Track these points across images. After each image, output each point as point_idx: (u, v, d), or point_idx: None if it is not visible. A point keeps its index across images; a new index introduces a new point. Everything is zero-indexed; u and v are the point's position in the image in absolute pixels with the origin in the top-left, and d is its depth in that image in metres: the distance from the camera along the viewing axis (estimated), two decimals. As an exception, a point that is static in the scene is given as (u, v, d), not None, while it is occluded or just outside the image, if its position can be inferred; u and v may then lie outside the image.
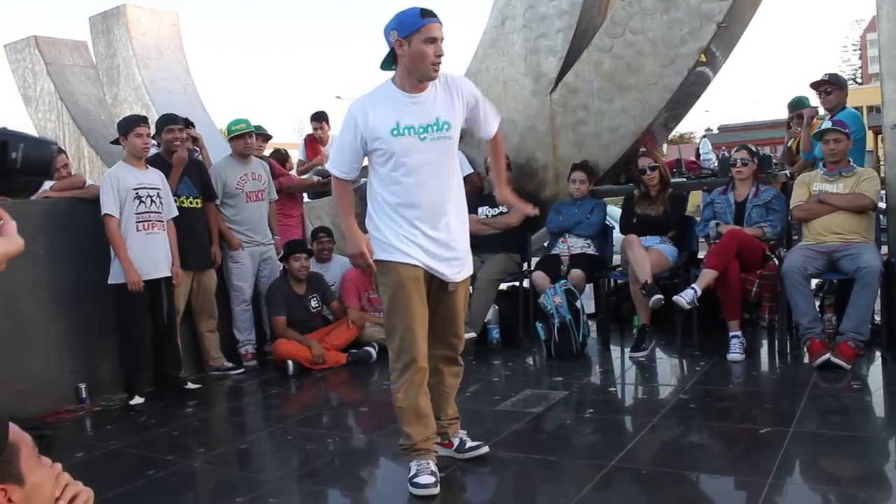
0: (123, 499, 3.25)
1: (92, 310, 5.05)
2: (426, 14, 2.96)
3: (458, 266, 3.25)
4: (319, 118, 8.00)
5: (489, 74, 6.71)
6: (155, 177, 5.12)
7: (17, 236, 1.14)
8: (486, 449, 3.47)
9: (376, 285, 3.35)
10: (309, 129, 8.41)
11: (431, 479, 3.08)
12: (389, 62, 3.09)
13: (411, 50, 2.96)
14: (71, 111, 10.58)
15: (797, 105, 6.43)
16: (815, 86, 5.67)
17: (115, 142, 5.26)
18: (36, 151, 1.08)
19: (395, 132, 3.04)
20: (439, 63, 3.00)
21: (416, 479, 3.09)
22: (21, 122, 11.13)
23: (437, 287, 3.23)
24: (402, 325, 3.13)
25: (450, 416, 3.47)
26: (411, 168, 3.06)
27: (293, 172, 7.64)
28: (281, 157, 7.55)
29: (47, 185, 5.27)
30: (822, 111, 5.94)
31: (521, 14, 6.53)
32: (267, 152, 7.50)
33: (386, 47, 3.07)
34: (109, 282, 4.93)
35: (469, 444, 3.47)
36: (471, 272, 3.40)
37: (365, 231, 3.27)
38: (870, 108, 18.75)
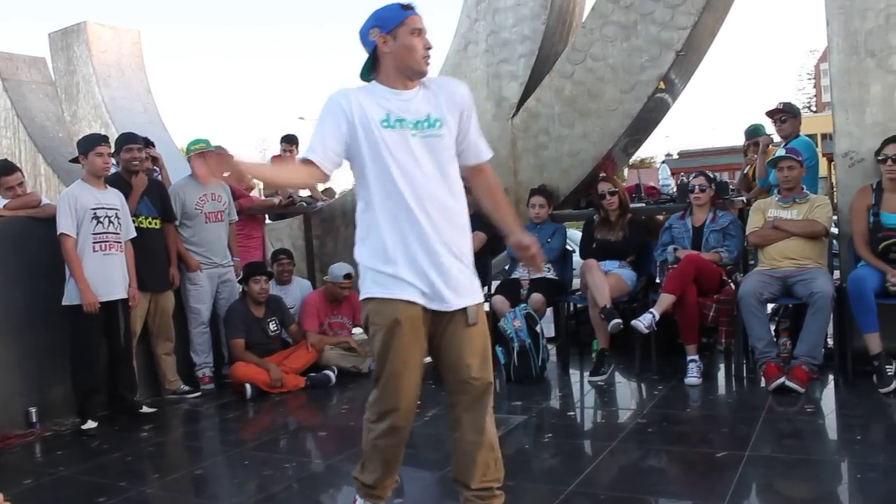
0: (73, 527, 3.17)
1: (44, 331, 4.94)
2: (407, 7, 2.69)
3: (456, 291, 2.69)
4: (290, 140, 7.93)
5: (451, 98, 6.73)
6: (114, 197, 5.05)
7: None
8: None
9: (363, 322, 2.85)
10: (273, 151, 8.37)
11: None
12: (369, 70, 2.74)
13: (398, 44, 2.65)
14: (27, 128, 10.41)
15: (753, 133, 6.56)
16: (771, 114, 5.81)
17: (75, 160, 5.18)
18: None
19: (386, 124, 2.63)
20: (429, 55, 2.71)
21: None
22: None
23: (446, 322, 2.71)
24: (389, 371, 2.68)
25: (477, 488, 2.74)
26: (405, 169, 2.62)
27: (255, 193, 7.59)
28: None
29: (1, 203, 5.18)
30: (777, 139, 6.07)
31: (484, 39, 6.60)
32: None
33: (364, 54, 2.74)
34: (64, 302, 4.84)
35: None
36: (479, 297, 2.80)
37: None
38: (824, 136, 19.15)
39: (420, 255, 2.62)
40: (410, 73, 2.69)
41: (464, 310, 2.69)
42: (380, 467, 2.83)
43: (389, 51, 2.65)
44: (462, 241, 2.74)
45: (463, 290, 2.70)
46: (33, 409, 4.84)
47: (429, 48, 2.69)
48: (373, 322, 2.69)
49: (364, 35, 2.70)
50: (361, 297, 2.73)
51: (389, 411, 2.71)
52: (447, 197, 2.72)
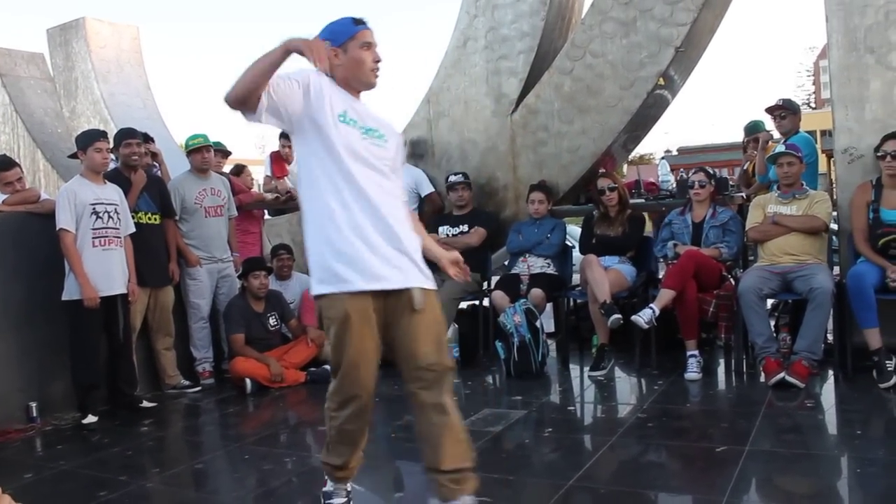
0: (74, 521, 3.18)
1: (44, 326, 4.94)
2: (358, 21, 2.80)
3: (406, 274, 2.75)
4: (288, 136, 7.92)
5: (451, 94, 6.74)
6: (113, 192, 5.05)
7: None
8: None
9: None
10: (271, 147, 8.35)
11: (342, 501, 3.03)
12: None
13: (348, 57, 2.76)
14: (26, 123, 10.40)
15: (753, 129, 6.56)
16: (770, 110, 5.81)
17: (74, 156, 5.18)
18: None
19: (342, 119, 2.72)
20: (378, 69, 2.81)
21: (329, 501, 3.04)
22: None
23: (397, 311, 2.76)
24: (347, 362, 2.75)
25: (449, 469, 2.75)
26: (354, 167, 2.70)
27: (255, 189, 7.57)
28: (236, 170, 7.49)
29: (0, 198, 5.18)
30: (776, 135, 6.08)
31: (483, 35, 6.59)
32: (227, 169, 7.44)
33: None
34: (64, 298, 4.83)
35: None
36: (428, 282, 2.82)
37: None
38: (823, 133, 19.21)
39: (366, 244, 2.68)
40: (359, 85, 2.81)
41: (410, 296, 2.73)
42: (347, 449, 2.94)
43: (340, 63, 2.75)
44: (405, 234, 2.78)
45: (408, 272, 2.75)
46: (33, 404, 4.84)
47: (377, 61, 2.79)
48: (326, 317, 2.76)
49: None
50: (312, 293, 2.81)
51: (352, 398, 2.81)
52: (390, 195, 2.79)
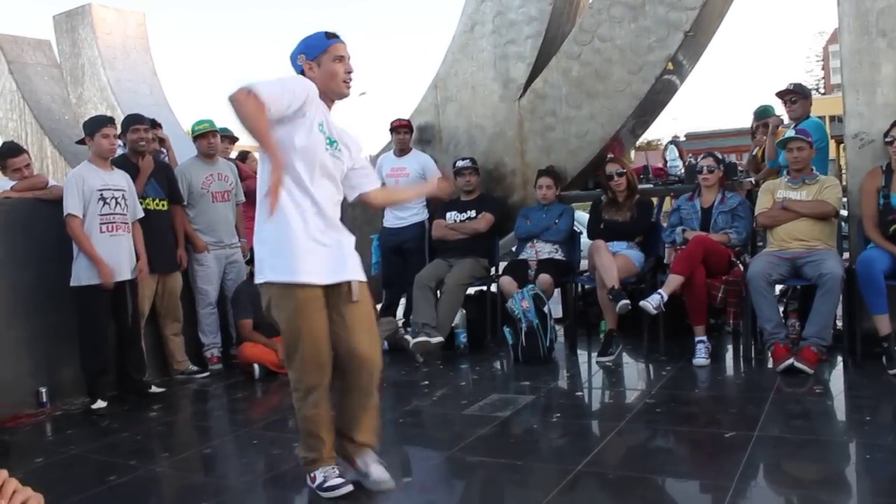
0: (84, 505, 3.19)
1: (53, 312, 4.96)
2: (331, 35, 3.04)
3: (347, 268, 3.05)
4: None
5: (458, 79, 6.72)
6: (120, 178, 5.05)
7: None
8: (389, 485, 3.13)
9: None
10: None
11: (341, 479, 3.08)
12: None
13: (322, 70, 3.01)
14: (33, 110, 10.42)
15: (763, 114, 6.52)
16: (781, 95, 5.77)
17: (81, 142, 5.18)
18: None
19: (320, 129, 2.99)
20: (350, 80, 3.07)
21: (327, 484, 3.07)
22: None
23: (332, 297, 3.03)
24: (305, 352, 2.97)
25: (361, 442, 3.15)
26: (323, 172, 3.00)
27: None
28: (241, 156, 7.48)
29: (8, 185, 5.19)
30: (787, 120, 6.03)
31: (491, 20, 6.55)
32: (234, 155, 7.43)
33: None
34: (72, 284, 4.85)
35: (373, 476, 3.12)
36: (362, 277, 3.13)
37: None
38: (832, 118, 19.07)
39: (316, 241, 2.96)
40: (333, 95, 3.06)
41: (349, 287, 3.03)
42: (322, 431, 3.08)
43: (315, 76, 3.00)
44: (342, 235, 3.09)
45: (348, 267, 3.06)
46: (43, 389, 4.86)
47: (349, 72, 3.04)
48: (276, 305, 2.98)
49: (293, 60, 3.06)
50: (260, 281, 3.03)
51: (317, 384, 3.01)
52: (334, 202, 3.09)
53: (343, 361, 3.06)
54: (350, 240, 3.12)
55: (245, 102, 2.72)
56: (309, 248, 2.94)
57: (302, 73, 3.03)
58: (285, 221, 2.92)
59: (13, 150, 5.34)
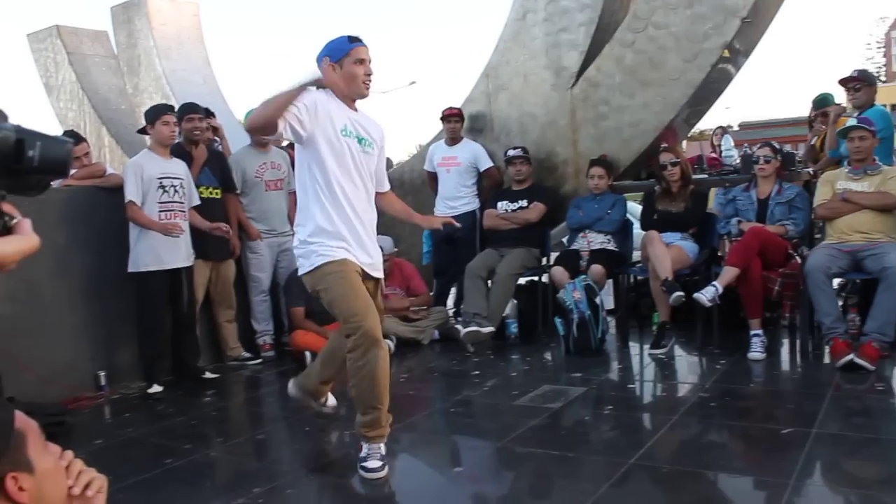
0: (142, 487, 3.26)
1: (112, 298, 5.07)
2: (353, 39, 3.28)
3: (377, 262, 3.43)
4: None
5: (510, 68, 6.67)
6: (178, 166, 5.13)
7: (32, 234, 1.13)
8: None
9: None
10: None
11: (379, 463, 3.24)
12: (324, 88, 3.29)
13: (343, 72, 3.25)
14: (92, 100, 10.62)
15: (822, 103, 6.36)
16: (844, 82, 5.60)
17: (142, 130, 5.28)
18: (52, 150, 1.07)
19: (344, 133, 3.25)
20: (370, 81, 3.30)
21: (365, 464, 3.24)
22: (43, 110, 11.22)
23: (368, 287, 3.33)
24: (360, 307, 3.19)
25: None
26: (349, 169, 3.27)
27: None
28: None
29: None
30: (849, 108, 5.86)
31: (543, 7, 6.48)
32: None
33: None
34: (129, 270, 4.95)
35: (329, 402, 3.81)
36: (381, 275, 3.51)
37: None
38: (894, 107, 18.55)
39: (356, 237, 3.28)
40: (354, 95, 3.32)
41: (378, 281, 3.45)
42: (379, 398, 3.23)
43: (337, 77, 3.26)
44: (373, 232, 3.41)
45: (379, 266, 3.44)
46: (102, 373, 4.98)
47: (369, 74, 3.29)
48: (329, 272, 3.20)
49: (318, 61, 3.30)
50: (307, 270, 3.27)
51: (375, 341, 3.16)
52: (369, 199, 3.40)
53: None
54: (376, 240, 3.44)
55: (256, 111, 3.08)
56: (350, 241, 3.26)
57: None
58: (324, 221, 3.24)
59: (73, 138, 5.46)
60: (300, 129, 3.11)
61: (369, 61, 3.30)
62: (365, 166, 3.34)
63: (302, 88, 3.05)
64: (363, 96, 3.35)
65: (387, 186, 3.63)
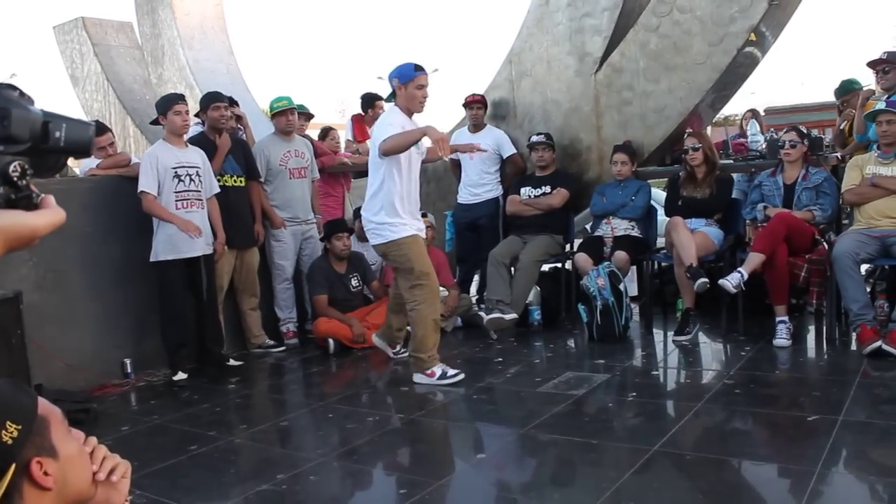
0: (167, 473, 3.29)
1: (138, 286, 5.12)
2: (418, 68, 4.44)
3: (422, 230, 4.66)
4: (370, 100, 7.90)
5: (533, 54, 6.63)
6: (195, 155, 5.15)
7: (58, 208, 1.16)
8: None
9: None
10: (352, 110, 8.32)
11: (456, 370, 4.54)
12: (391, 97, 4.53)
13: (407, 92, 4.43)
14: (117, 91, 10.69)
15: (845, 90, 6.27)
16: (873, 64, 5.50)
17: (155, 122, 5.31)
18: (77, 131, 1.13)
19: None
20: (425, 101, 4.49)
21: (449, 373, 4.48)
22: (69, 101, 11.31)
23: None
24: (428, 272, 4.49)
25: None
26: (414, 169, 4.54)
27: (342, 150, 7.56)
28: (323, 132, 7.50)
29: (94, 163, 5.36)
30: (878, 91, 5.76)
31: (567, -8, 6.42)
32: (310, 132, 7.48)
33: (389, 88, 4.55)
34: (151, 259, 4.99)
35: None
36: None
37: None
38: (924, 90, 18.20)
39: (412, 215, 4.55)
40: (413, 110, 4.49)
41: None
42: (435, 335, 4.56)
43: (402, 95, 4.45)
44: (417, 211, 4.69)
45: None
46: (128, 361, 5.04)
47: (425, 97, 4.48)
48: (403, 243, 4.46)
49: (390, 79, 4.50)
50: (385, 241, 4.49)
51: (437, 292, 4.59)
52: (416, 183, 4.62)
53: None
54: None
55: (390, 144, 4.32)
56: (407, 218, 4.51)
57: (394, 91, 4.46)
58: (392, 204, 4.44)
59: (98, 128, 5.50)
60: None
61: (427, 86, 4.47)
62: (417, 160, 4.55)
63: (423, 133, 4.35)
64: (419, 112, 4.52)
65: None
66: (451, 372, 4.47)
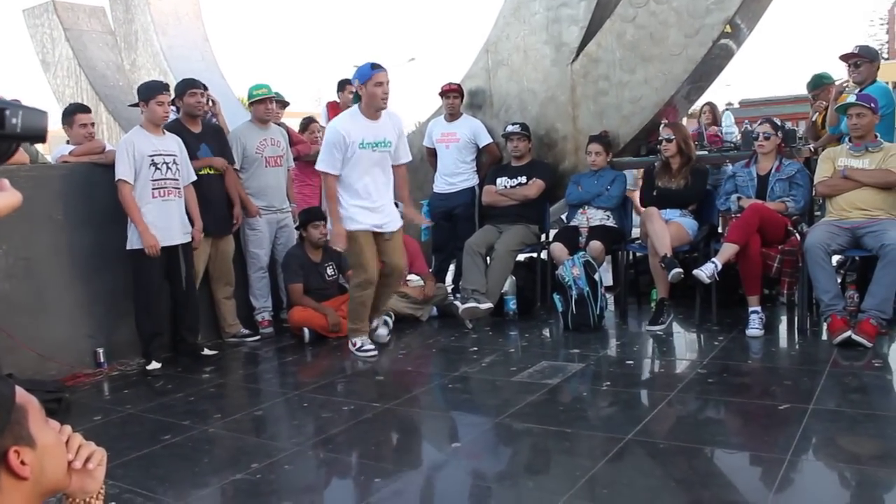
0: (140, 463, 3.28)
1: (110, 274, 5.07)
2: (375, 66, 4.70)
3: (389, 222, 5.00)
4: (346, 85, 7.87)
5: (510, 43, 6.62)
6: (172, 143, 5.10)
7: (13, 190, 1.17)
8: (384, 339, 5.30)
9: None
10: (327, 98, 8.25)
11: (371, 346, 5.02)
12: (356, 98, 4.85)
13: (367, 91, 4.71)
14: (89, 77, 10.55)
15: (816, 84, 6.32)
16: (845, 58, 5.55)
17: (135, 105, 5.25)
18: (34, 118, 1.16)
19: (361, 145, 4.78)
20: (387, 98, 4.75)
21: (364, 347, 5.01)
22: (40, 87, 11.16)
23: (378, 237, 4.97)
24: (365, 261, 4.93)
25: (378, 309, 5.28)
26: (366, 168, 4.86)
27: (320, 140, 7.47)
28: (305, 123, 7.43)
29: (67, 149, 5.29)
30: (850, 84, 5.82)
31: (544, -18, 6.42)
32: (286, 120, 7.42)
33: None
34: (127, 247, 4.94)
35: (377, 332, 5.27)
36: (400, 224, 5.08)
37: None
38: (895, 84, 18.42)
39: (370, 209, 4.92)
40: (374, 108, 4.78)
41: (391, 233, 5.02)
42: (365, 313, 5.06)
43: (364, 94, 4.74)
44: (388, 203, 5.05)
45: (392, 218, 5.04)
46: (101, 350, 4.99)
47: (386, 93, 4.74)
48: (352, 238, 4.91)
49: (352, 82, 4.88)
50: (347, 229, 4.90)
51: (371, 282, 4.98)
52: (385, 182, 5.00)
53: (387, 270, 5.04)
54: (390, 205, 5.06)
55: (327, 186, 4.98)
56: (360, 212, 4.90)
57: (355, 91, 4.82)
58: (348, 197, 4.90)
59: (85, 107, 5.58)
60: (343, 160, 4.86)
61: (386, 83, 4.70)
62: (381, 158, 4.91)
63: (336, 225, 4.86)
64: (382, 108, 4.78)
65: (403, 160, 5.10)
66: (367, 346, 5.02)
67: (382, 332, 5.29)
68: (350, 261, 5.08)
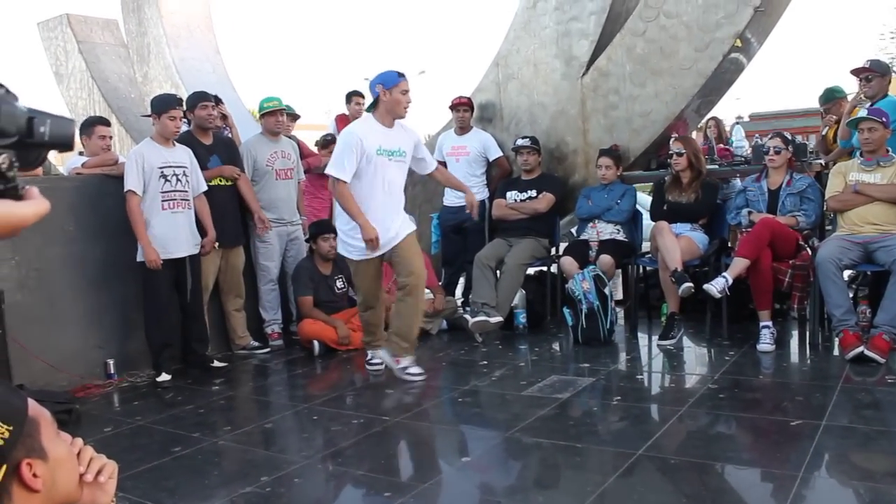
0: (150, 475, 3.27)
1: (121, 286, 5.09)
2: (401, 74, 4.55)
3: (394, 236, 4.62)
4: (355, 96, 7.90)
5: (520, 57, 6.64)
6: (182, 154, 5.12)
7: (42, 198, 1.19)
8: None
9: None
10: (336, 111, 8.29)
11: (379, 361, 4.89)
12: (372, 106, 4.63)
13: (391, 97, 4.51)
14: (101, 89, 10.63)
15: (828, 98, 6.31)
16: (857, 72, 5.55)
17: (148, 115, 5.29)
18: (61, 126, 1.19)
19: (378, 152, 4.52)
20: (408, 107, 4.59)
21: (372, 361, 4.97)
22: (53, 99, 11.26)
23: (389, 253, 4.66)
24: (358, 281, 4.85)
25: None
26: (380, 181, 4.56)
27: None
28: (323, 141, 7.43)
29: (79, 161, 5.32)
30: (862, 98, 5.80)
31: (554, -4, 6.44)
32: (297, 133, 7.45)
33: (371, 97, 4.66)
34: (138, 259, 4.96)
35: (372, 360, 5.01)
36: (411, 229, 4.73)
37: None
38: (907, 98, 18.35)
39: (382, 223, 4.55)
40: (395, 116, 4.59)
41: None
42: (375, 329, 4.90)
43: (387, 100, 4.53)
44: (397, 217, 4.68)
45: (401, 231, 4.66)
46: (111, 361, 5.00)
47: (409, 102, 4.58)
48: (353, 264, 4.78)
49: (372, 86, 4.58)
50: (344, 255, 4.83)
51: (364, 303, 4.87)
52: (399, 194, 4.74)
53: (401, 283, 4.71)
54: (400, 220, 4.69)
55: (340, 192, 4.51)
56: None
57: (377, 97, 4.54)
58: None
59: (105, 120, 5.68)
60: (357, 167, 4.50)
61: (409, 91, 4.56)
62: (396, 169, 4.63)
63: (364, 227, 4.46)
64: (402, 117, 4.63)
65: (432, 165, 4.96)
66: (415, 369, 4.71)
67: (414, 370, 4.71)
68: (353, 278, 5.00)
